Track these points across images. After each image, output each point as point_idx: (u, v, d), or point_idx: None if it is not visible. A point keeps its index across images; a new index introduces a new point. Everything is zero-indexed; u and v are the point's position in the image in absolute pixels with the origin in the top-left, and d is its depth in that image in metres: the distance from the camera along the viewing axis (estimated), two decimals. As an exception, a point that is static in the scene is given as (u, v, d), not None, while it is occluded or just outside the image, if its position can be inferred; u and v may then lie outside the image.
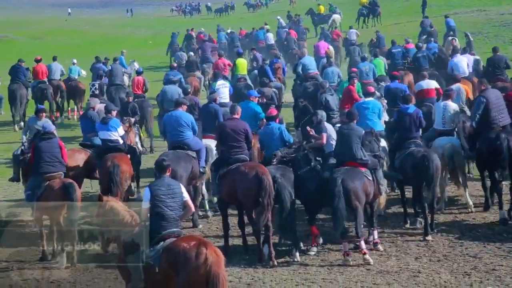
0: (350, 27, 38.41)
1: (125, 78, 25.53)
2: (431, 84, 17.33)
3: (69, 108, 26.36)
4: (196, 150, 13.33)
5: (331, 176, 11.41)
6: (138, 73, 22.49)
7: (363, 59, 21.28)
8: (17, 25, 63.60)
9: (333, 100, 16.17)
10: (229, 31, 42.87)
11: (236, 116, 12.39)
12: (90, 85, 21.93)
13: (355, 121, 12.10)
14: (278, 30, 40.63)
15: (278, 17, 47.64)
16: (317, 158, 12.30)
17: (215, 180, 12.17)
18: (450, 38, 28.04)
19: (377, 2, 45.40)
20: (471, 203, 13.74)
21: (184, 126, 13.26)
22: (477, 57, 22.45)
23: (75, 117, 25.63)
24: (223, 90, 18.26)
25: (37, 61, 25.01)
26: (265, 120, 14.62)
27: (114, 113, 14.50)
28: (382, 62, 22.82)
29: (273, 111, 13.31)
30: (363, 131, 12.04)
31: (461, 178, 13.83)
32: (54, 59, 25.85)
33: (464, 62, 20.03)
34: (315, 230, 12.18)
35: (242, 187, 11.52)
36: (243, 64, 22.62)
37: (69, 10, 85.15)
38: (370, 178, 11.61)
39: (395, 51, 24.40)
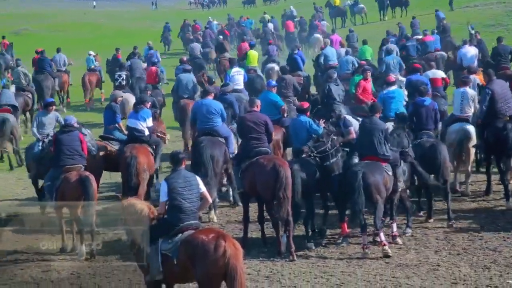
0: (323, 19, 41.84)
1: None
2: (437, 73, 17.77)
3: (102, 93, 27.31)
4: (225, 136, 13.59)
5: (352, 170, 11.37)
6: (153, 63, 22.89)
7: (389, 52, 21.25)
8: (36, 18, 63.80)
9: (337, 90, 16.04)
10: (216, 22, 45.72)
11: (255, 109, 12.42)
12: (117, 76, 22.27)
13: (378, 115, 12.02)
14: (272, 20, 42.97)
15: (291, 6, 50.12)
16: (345, 149, 12.33)
17: (237, 174, 12.18)
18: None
19: None
20: (469, 192, 14.15)
21: (214, 113, 13.55)
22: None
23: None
24: (238, 77, 18.79)
25: (38, 52, 25.86)
26: (285, 108, 14.82)
27: (148, 104, 14.57)
28: (369, 49, 23.77)
29: (304, 103, 13.30)
30: (386, 125, 12.00)
31: (466, 164, 14.11)
32: (58, 50, 26.74)
33: (472, 53, 20.70)
34: (345, 229, 12.18)
35: (260, 180, 11.53)
36: (254, 56, 22.92)
37: (94, 3, 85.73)
38: (390, 173, 11.54)
39: (390, 40, 25.08)
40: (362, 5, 46.97)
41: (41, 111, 15.32)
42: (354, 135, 12.48)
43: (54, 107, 14.67)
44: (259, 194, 11.79)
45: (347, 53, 22.16)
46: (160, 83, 22.67)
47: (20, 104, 20.64)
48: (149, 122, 14.09)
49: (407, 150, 12.29)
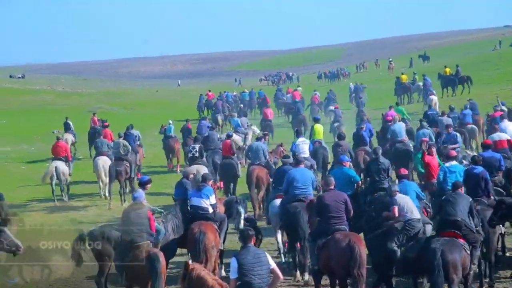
0: (314, 90, 47.25)
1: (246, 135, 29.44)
2: (503, 136, 19.12)
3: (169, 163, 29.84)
4: None
5: (430, 247, 11.08)
6: (228, 136, 23.62)
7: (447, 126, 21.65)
8: (112, 96, 66.17)
9: (376, 166, 15.93)
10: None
11: (331, 187, 12.33)
12: (190, 148, 22.48)
13: (461, 190, 11.99)
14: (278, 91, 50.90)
15: (350, 83, 55.24)
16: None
17: (313, 251, 12.04)
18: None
19: (460, 71, 44.93)
20: None
21: (308, 181, 14.42)
22: None
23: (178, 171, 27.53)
24: (303, 146, 20.39)
25: (105, 126, 28.95)
26: (360, 183, 14.93)
27: (209, 182, 14.47)
28: (402, 109, 30.05)
29: (403, 170, 14.12)
30: (471, 200, 11.90)
31: None
32: (131, 127, 28.22)
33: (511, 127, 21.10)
34: None
35: (334, 256, 11.34)
36: (319, 130, 23.62)
37: (179, 82, 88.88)
38: (468, 251, 11.24)
39: (430, 113, 27.81)
40: (419, 83, 46.21)
41: (138, 190, 14.07)
42: (396, 214, 12.25)
43: (150, 185, 14.18)
44: (333, 271, 11.58)
45: (423, 126, 22.28)
46: (235, 155, 22.96)
47: (120, 172, 22.79)
48: (212, 199, 13.99)
49: (477, 228, 11.88)
